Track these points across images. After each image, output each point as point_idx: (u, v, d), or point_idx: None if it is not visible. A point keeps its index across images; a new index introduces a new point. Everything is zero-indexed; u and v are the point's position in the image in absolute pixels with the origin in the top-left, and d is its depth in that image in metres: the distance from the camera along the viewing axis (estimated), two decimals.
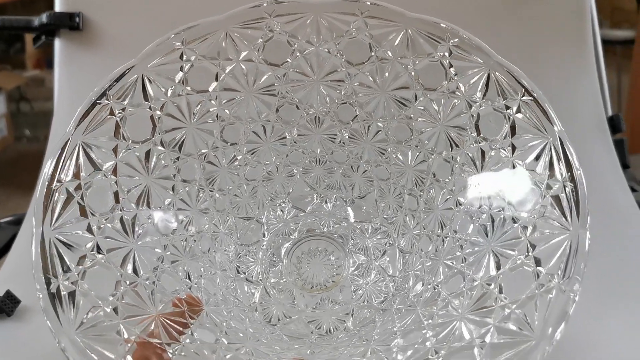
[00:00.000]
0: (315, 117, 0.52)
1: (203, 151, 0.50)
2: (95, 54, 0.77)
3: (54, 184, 0.43)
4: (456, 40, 0.46)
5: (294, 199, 0.54)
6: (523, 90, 0.45)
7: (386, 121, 0.51)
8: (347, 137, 0.52)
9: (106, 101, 0.45)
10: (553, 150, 0.43)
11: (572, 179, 0.41)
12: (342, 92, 0.51)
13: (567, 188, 0.41)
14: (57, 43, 0.79)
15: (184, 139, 0.49)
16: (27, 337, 0.60)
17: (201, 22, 0.48)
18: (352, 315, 0.49)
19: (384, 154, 0.52)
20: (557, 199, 0.42)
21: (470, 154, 0.48)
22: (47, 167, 0.44)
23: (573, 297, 0.38)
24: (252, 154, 0.52)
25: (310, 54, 0.49)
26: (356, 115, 0.51)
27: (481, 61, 0.46)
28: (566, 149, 0.43)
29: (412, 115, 0.50)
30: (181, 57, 0.47)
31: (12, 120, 2.47)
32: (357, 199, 0.53)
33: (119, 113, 0.46)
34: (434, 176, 0.50)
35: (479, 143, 0.47)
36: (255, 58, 0.49)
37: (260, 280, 0.51)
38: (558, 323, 0.38)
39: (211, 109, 0.50)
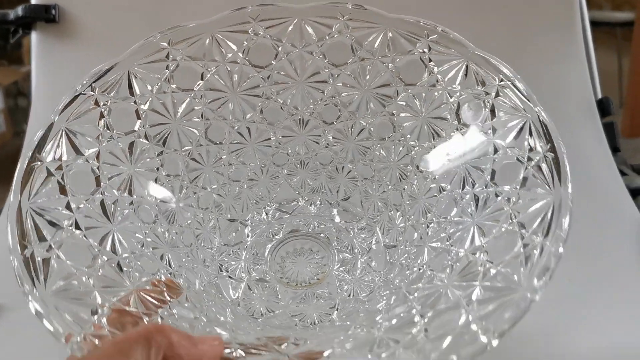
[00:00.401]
0: (300, 118, 0.53)
1: (187, 148, 0.51)
2: (72, 46, 0.76)
3: (35, 162, 0.43)
4: (435, 36, 0.48)
5: (278, 202, 0.53)
6: (501, 76, 0.46)
7: (369, 119, 0.52)
8: (331, 138, 0.53)
9: (91, 92, 0.46)
10: (532, 127, 0.44)
11: (553, 150, 0.42)
12: (326, 93, 0.52)
13: (547, 158, 0.42)
14: (34, 36, 0.78)
15: (168, 135, 0.50)
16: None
17: (187, 24, 0.49)
18: (337, 309, 0.47)
19: (366, 153, 0.52)
20: (538, 169, 0.42)
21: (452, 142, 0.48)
22: (29, 146, 0.44)
23: (557, 252, 0.37)
24: (236, 155, 0.52)
25: (294, 56, 0.51)
26: (340, 115, 0.52)
27: (459, 54, 0.48)
28: (545, 123, 0.43)
29: (394, 112, 0.51)
30: (167, 56, 0.49)
31: (10, 116, 2.42)
32: (342, 201, 0.53)
33: (103, 105, 0.47)
34: (417, 167, 0.50)
35: (460, 130, 0.48)
36: (240, 60, 0.50)
37: (243, 276, 0.49)
38: (543, 275, 0.37)
39: (196, 108, 0.51)
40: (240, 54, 0.50)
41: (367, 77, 0.51)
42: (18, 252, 0.39)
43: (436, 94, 0.49)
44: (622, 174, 0.74)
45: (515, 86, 0.45)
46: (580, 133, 0.74)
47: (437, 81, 0.49)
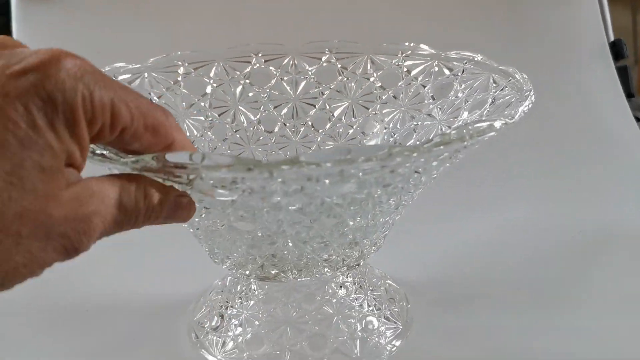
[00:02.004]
0: (294, 128, 0.58)
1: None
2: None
3: None
4: (408, 52, 0.58)
5: None
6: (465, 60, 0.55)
7: (355, 122, 0.58)
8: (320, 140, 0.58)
9: None
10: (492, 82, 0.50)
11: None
12: (317, 106, 0.59)
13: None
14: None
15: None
16: None
17: (201, 51, 0.59)
18: None
19: None
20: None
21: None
22: None
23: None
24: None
25: (289, 80, 0.60)
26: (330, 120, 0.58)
27: (429, 57, 0.57)
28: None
29: (377, 111, 0.58)
30: (179, 69, 0.58)
31: None
32: None
33: None
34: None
35: (436, 103, 0.54)
36: (242, 81, 0.59)
37: None
38: None
39: (202, 105, 0.57)
40: (242, 78, 0.59)
41: (352, 87, 0.59)
42: None
43: (412, 90, 0.57)
44: (637, 119, 0.72)
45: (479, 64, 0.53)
46: (593, 78, 0.73)
47: (413, 80, 0.57)
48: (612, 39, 0.78)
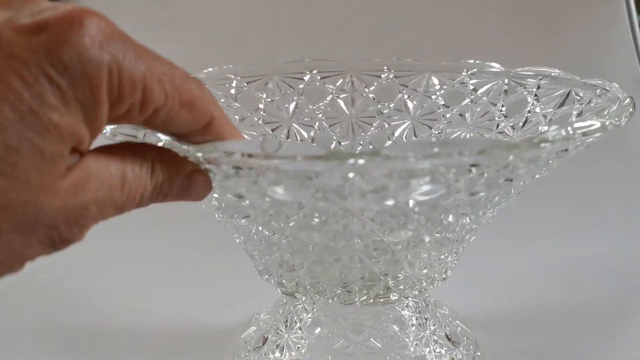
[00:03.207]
0: (351, 148, 0.55)
1: None
2: None
3: None
4: (474, 70, 0.55)
5: None
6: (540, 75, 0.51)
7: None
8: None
9: None
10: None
11: None
12: (374, 125, 0.55)
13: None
14: None
15: None
16: None
17: (255, 65, 0.57)
18: None
19: None
20: None
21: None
22: None
23: None
24: None
25: (346, 98, 0.56)
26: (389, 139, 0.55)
27: (495, 75, 0.54)
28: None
29: (440, 130, 0.54)
30: (232, 82, 0.55)
31: None
32: None
33: None
34: None
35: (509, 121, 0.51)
36: (295, 98, 0.56)
37: None
38: None
39: (254, 124, 0.54)
40: (296, 95, 0.56)
41: (413, 107, 0.55)
42: None
43: (479, 108, 0.53)
44: None
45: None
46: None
47: (479, 99, 0.53)
48: None
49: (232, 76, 0.54)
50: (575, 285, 0.58)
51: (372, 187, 0.31)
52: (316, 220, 0.35)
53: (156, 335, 0.52)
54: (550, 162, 0.34)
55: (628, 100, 0.37)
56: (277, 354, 0.45)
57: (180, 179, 0.29)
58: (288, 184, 0.31)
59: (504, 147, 0.29)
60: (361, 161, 0.28)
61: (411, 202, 0.33)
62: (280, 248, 0.39)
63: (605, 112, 0.35)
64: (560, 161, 0.35)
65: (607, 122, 0.32)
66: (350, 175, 0.30)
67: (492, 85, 0.52)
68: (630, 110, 0.35)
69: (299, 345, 0.45)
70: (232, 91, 0.54)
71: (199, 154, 0.28)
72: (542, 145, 0.29)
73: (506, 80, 0.51)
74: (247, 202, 0.34)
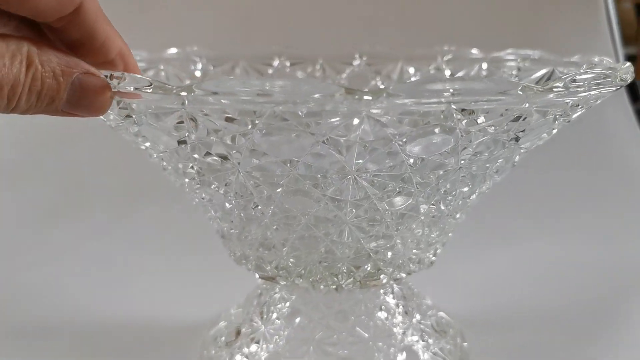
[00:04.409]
0: None
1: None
2: None
3: None
4: (450, 56, 0.53)
5: None
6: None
7: None
8: None
9: None
10: None
11: None
12: None
13: None
14: None
15: None
16: None
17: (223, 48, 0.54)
18: None
19: None
20: None
21: None
22: None
23: None
24: None
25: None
26: None
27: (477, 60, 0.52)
28: None
29: None
30: (196, 65, 0.52)
31: None
32: None
33: None
34: None
35: None
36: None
37: None
38: None
39: None
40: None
41: None
42: None
43: None
44: None
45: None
46: (610, 119, 0.70)
47: None
48: None
49: (197, 58, 0.51)
50: (556, 286, 0.57)
51: (375, 138, 0.28)
52: (308, 184, 0.32)
53: (118, 332, 0.49)
54: (556, 122, 0.33)
55: (628, 64, 0.36)
56: (253, 347, 0.41)
57: (69, 80, 0.25)
58: (283, 137, 0.29)
59: (522, 89, 0.27)
60: (368, 97, 0.25)
61: (412, 161, 0.31)
62: (262, 224, 0.35)
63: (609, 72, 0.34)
64: (563, 124, 0.34)
65: (617, 73, 0.30)
66: (356, 121, 0.27)
67: (469, 70, 0.51)
68: (632, 71, 0.34)
69: (277, 337, 0.41)
70: (197, 73, 0.50)
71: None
72: (556, 89, 0.27)
73: (485, 65, 0.50)
74: (233, 163, 0.31)
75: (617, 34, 0.79)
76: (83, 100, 0.26)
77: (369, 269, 0.37)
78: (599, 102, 0.33)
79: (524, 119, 0.30)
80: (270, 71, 0.53)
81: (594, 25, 0.78)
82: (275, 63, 0.54)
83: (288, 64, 0.54)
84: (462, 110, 0.27)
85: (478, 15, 0.78)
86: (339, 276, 0.37)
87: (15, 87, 0.24)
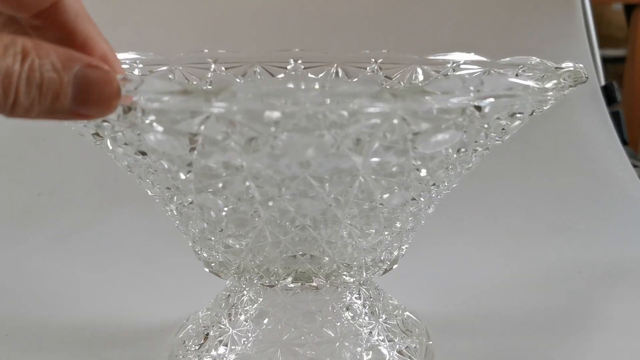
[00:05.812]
0: None
1: None
2: None
3: None
4: (460, 62, 0.53)
5: None
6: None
7: None
8: None
9: None
10: None
11: None
12: None
13: None
14: None
15: None
16: None
17: (234, 54, 0.54)
18: None
19: None
20: None
21: None
22: None
23: None
24: None
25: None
26: None
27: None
28: None
29: None
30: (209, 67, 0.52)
31: None
32: None
33: None
34: None
35: None
36: None
37: None
38: None
39: None
40: None
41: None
42: None
43: None
44: (634, 167, 0.69)
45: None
46: (587, 122, 0.70)
47: None
48: (603, 82, 0.75)
49: (211, 60, 0.51)
50: (523, 287, 0.57)
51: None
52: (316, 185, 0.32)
53: (86, 333, 0.49)
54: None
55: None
56: (221, 350, 0.42)
57: (71, 73, 0.24)
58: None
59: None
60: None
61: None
62: (238, 219, 0.36)
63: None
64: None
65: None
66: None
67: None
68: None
69: (245, 339, 0.42)
70: (209, 75, 0.51)
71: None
72: None
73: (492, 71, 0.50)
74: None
75: (594, 37, 0.76)
76: (91, 95, 0.25)
77: (332, 267, 0.38)
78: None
79: None
80: (281, 75, 0.53)
81: (570, 29, 0.75)
82: (290, 67, 0.54)
83: (302, 67, 0.54)
84: None
85: (457, 20, 0.78)
86: (305, 274, 0.38)
87: (10, 76, 0.23)
